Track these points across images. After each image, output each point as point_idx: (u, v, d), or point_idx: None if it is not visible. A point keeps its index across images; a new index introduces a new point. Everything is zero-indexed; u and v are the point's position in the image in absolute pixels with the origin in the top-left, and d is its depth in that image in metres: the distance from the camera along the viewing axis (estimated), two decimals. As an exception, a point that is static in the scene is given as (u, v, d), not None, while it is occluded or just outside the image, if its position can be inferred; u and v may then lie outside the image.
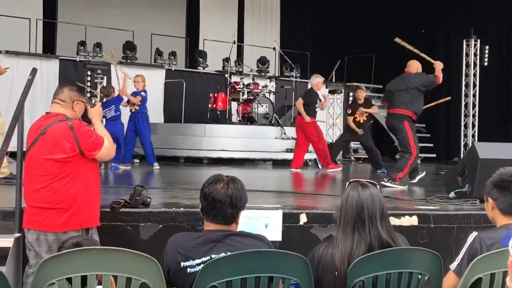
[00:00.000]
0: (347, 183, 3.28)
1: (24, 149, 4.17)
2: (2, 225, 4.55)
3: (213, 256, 2.92)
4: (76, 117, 4.07)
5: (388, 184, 7.65)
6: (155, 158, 10.37)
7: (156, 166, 10.20)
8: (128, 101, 10.31)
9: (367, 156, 15.33)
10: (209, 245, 2.98)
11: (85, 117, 4.18)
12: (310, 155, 11.80)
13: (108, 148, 4.03)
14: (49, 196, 3.91)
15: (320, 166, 11.16)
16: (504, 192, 3.23)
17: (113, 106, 9.93)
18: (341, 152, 13.26)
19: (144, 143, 10.33)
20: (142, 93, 10.35)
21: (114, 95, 10.16)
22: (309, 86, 14.87)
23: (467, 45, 14.79)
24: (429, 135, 16.00)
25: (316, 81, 11.00)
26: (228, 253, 2.90)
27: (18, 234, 4.45)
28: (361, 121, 11.31)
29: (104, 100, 10.10)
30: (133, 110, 10.30)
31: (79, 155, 3.92)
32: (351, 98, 11.60)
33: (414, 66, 8.58)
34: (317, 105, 10.95)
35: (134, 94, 10.35)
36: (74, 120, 4.00)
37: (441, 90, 16.52)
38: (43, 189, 3.91)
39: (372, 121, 11.94)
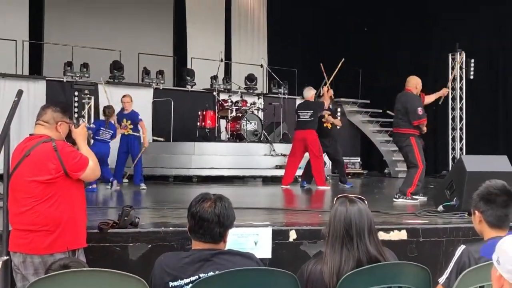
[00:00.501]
0: (335, 198, 3.28)
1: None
2: (-11, 248, 4.51)
3: (201, 275, 2.90)
4: (60, 138, 4.03)
5: (399, 200, 7.80)
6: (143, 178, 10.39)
7: (143, 186, 10.17)
8: (120, 123, 10.29)
9: (356, 171, 15.46)
10: (197, 264, 2.96)
11: (69, 138, 4.14)
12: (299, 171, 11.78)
13: (92, 169, 4.00)
14: (34, 219, 3.87)
15: (305, 185, 10.90)
16: (491, 205, 3.23)
17: (113, 131, 9.95)
18: (330, 168, 13.21)
19: (137, 165, 10.34)
20: (140, 117, 10.40)
21: (114, 117, 10.18)
22: (297, 102, 15.00)
23: (453, 59, 14.90)
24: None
25: (311, 94, 11.02)
26: (217, 272, 2.88)
27: (5, 257, 4.41)
28: (328, 126, 11.37)
29: (106, 120, 10.08)
30: (126, 133, 10.24)
31: (64, 176, 3.89)
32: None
33: (413, 82, 8.70)
34: None
35: (132, 117, 10.31)
36: (58, 141, 3.96)
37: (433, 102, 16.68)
38: (28, 212, 3.88)
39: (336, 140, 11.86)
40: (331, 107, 11.64)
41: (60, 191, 3.91)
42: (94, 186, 9.35)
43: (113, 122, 10.12)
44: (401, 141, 8.23)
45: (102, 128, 9.88)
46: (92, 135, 9.51)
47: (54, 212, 3.89)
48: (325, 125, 11.32)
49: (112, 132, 9.95)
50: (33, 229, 3.89)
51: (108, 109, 10.16)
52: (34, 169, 3.87)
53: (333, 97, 11.75)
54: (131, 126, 10.22)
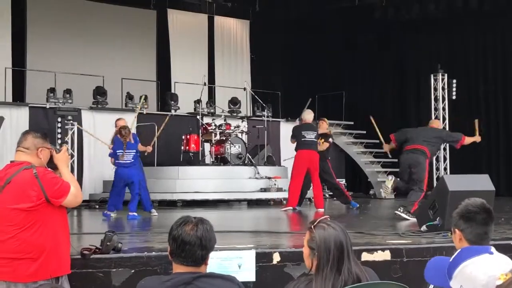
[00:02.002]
0: (313, 225, 3.23)
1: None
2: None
3: (183, 299, 2.89)
4: (41, 164, 4.03)
5: (403, 215, 8.18)
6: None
7: (154, 212, 9.72)
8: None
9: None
10: (178, 288, 2.96)
11: (51, 163, 4.14)
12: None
13: (74, 194, 3.99)
14: (17, 246, 3.85)
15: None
16: (471, 223, 3.24)
17: (134, 150, 9.44)
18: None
19: (144, 190, 9.77)
20: (137, 139, 9.94)
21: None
22: (281, 124, 15.04)
23: (435, 80, 15.07)
24: (402, 170, 16.14)
25: (312, 116, 11.16)
26: (198, 296, 2.88)
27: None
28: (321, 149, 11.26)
29: (123, 141, 9.38)
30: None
31: (46, 203, 3.88)
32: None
33: (437, 124, 10.00)
34: None
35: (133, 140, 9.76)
36: (39, 167, 3.96)
37: (412, 124, 16.81)
38: (11, 239, 3.86)
39: (329, 158, 11.87)
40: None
41: (42, 218, 3.90)
42: (135, 213, 9.12)
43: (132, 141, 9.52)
44: (418, 158, 8.72)
45: (119, 152, 9.29)
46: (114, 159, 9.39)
47: (37, 239, 3.88)
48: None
49: (134, 151, 9.41)
50: (16, 257, 3.87)
51: (125, 130, 9.45)
52: (16, 197, 3.86)
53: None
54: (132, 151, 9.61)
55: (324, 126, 11.57)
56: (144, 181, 9.91)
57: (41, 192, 3.85)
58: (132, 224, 8.62)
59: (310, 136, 10.54)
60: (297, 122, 11.82)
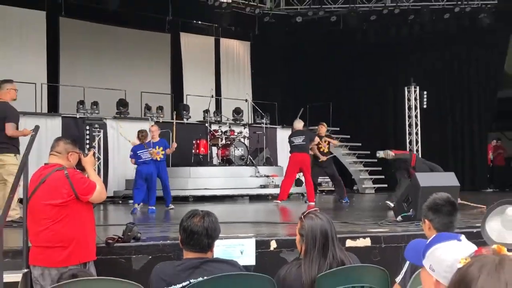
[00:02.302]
0: (302, 216, 3.24)
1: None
2: (12, 262, 4.47)
3: (191, 280, 2.89)
4: (71, 166, 4.05)
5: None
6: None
7: (172, 206, 9.71)
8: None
9: (330, 189, 15.44)
10: (188, 271, 2.95)
11: (79, 165, 4.15)
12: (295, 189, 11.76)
13: (99, 192, 4.00)
14: (50, 237, 3.88)
15: (306, 201, 10.68)
16: (438, 214, 3.25)
17: (163, 145, 9.50)
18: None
19: (167, 187, 9.78)
20: (167, 144, 9.94)
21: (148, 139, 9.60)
22: (278, 131, 15.02)
23: (408, 91, 15.08)
24: (380, 168, 16.13)
25: (302, 124, 11.06)
26: (205, 278, 2.88)
27: (25, 270, 4.38)
28: (325, 150, 11.21)
29: (141, 142, 9.41)
30: (158, 159, 9.57)
31: (75, 199, 3.90)
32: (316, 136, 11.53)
33: None
34: None
35: (163, 144, 9.78)
36: (69, 169, 3.98)
37: (389, 129, 16.83)
38: (45, 231, 3.89)
39: (333, 154, 11.86)
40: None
41: (72, 212, 3.92)
42: (154, 207, 9.14)
43: (152, 140, 9.62)
44: None
45: (140, 151, 9.30)
46: (134, 160, 9.36)
47: (68, 230, 3.89)
48: (321, 149, 11.18)
49: (163, 146, 9.53)
50: (50, 246, 3.89)
51: (142, 133, 9.53)
52: (49, 194, 3.88)
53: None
54: (163, 152, 9.66)
55: (323, 129, 11.49)
56: (167, 180, 9.84)
57: (71, 190, 3.87)
58: (151, 216, 8.60)
59: (298, 140, 10.46)
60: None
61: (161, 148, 9.69)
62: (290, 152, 10.63)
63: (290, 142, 10.63)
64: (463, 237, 2.08)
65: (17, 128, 6.84)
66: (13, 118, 6.80)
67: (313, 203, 10.28)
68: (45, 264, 3.91)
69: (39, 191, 3.91)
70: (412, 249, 2.43)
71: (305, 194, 11.01)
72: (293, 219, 8.09)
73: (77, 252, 3.94)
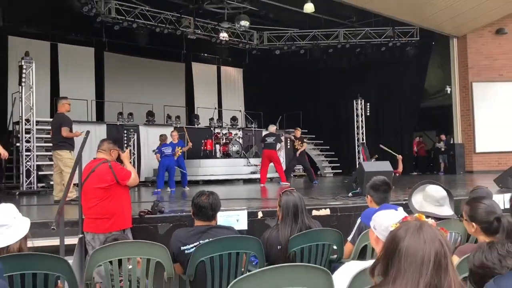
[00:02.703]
0: (281, 192, 3.25)
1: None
2: (71, 230, 4.44)
3: (201, 241, 2.89)
4: (112, 159, 4.07)
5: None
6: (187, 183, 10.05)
7: (187, 188, 9.74)
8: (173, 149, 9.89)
9: (304, 173, 15.47)
10: (198, 235, 2.95)
11: (118, 159, 4.16)
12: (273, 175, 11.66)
13: (133, 178, 4.01)
14: (99, 211, 3.88)
15: (279, 182, 10.62)
16: (377, 191, 3.27)
17: (172, 147, 9.60)
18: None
19: (185, 174, 9.95)
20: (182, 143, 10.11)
21: (167, 141, 9.77)
22: (263, 133, 14.95)
23: (356, 103, 15.11)
24: (337, 159, 16.20)
25: (274, 128, 11.01)
26: (210, 239, 2.88)
27: (81, 235, 4.34)
28: (299, 148, 11.13)
29: (161, 142, 9.64)
30: (178, 154, 9.71)
31: (116, 184, 3.91)
32: (292, 136, 11.48)
33: None
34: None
35: (180, 144, 9.92)
36: (112, 161, 4.01)
37: (343, 131, 16.81)
38: (95, 207, 3.89)
39: (305, 152, 11.82)
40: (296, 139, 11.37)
41: (114, 193, 3.92)
42: (173, 189, 9.16)
43: (172, 141, 9.77)
44: None
45: (163, 147, 9.49)
46: (159, 155, 9.37)
47: (111, 206, 3.90)
48: (296, 147, 11.16)
49: (171, 147, 9.54)
50: (98, 217, 3.90)
51: (161, 136, 9.75)
52: (98, 180, 3.89)
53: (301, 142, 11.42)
54: (181, 150, 9.81)
55: (298, 133, 11.39)
56: (184, 168, 9.96)
57: (113, 177, 3.87)
58: (172, 195, 8.57)
59: (270, 139, 10.45)
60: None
61: (180, 148, 9.79)
62: (263, 148, 10.61)
63: (263, 140, 10.60)
64: (400, 208, 2.12)
65: (70, 131, 6.82)
66: (67, 124, 6.82)
67: (286, 183, 10.25)
68: (95, 231, 3.91)
69: (90, 178, 3.91)
70: (365, 214, 2.50)
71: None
72: (274, 196, 8.11)
73: (118, 222, 3.95)
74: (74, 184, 6.05)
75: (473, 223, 2.35)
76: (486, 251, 1.59)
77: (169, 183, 9.37)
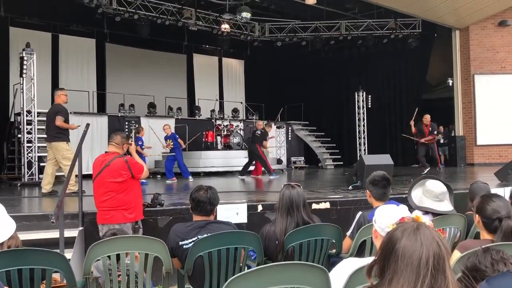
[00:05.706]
0: (283, 185, 3.26)
1: (85, 173, 4.19)
2: (71, 222, 4.45)
3: (199, 236, 2.88)
4: (123, 152, 4.20)
5: None
6: (188, 173, 10.08)
7: (191, 179, 9.77)
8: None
9: (302, 166, 15.46)
10: (196, 230, 2.94)
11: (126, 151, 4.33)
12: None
13: (145, 171, 4.21)
14: (114, 203, 4.01)
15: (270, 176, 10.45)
16: (376, 187, 3.24)
17: (171, 138, 9.79)
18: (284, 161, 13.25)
19: (181, 166, 10.01)
20: (176, 136, 10.17)
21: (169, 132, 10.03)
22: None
23: (358, 95, 15.04)
24: (338, 151, 16.17)
25: (261, 123, 11.03)
26: (209, 234, 2.86)
27: (81, 228, 4.36)
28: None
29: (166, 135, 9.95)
30: (169, 147, 9.90)
31: (130, 177, 4.06)
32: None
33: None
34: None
35: (172, 137, 10.01)
36: (127, 156, 4.17)
37: (344, 122, 16.77)
38: (110, 200, 4.01)
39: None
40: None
41: (128, 187, 4.04)
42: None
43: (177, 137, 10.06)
44: None
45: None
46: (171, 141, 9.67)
47: (126, 198, 4.03)
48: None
49: (173, 142, 9.80)
50: (113, 209, 4.01)
51: (165, 130, 10.06)
52: (113, 174, 4.00)
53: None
54: (172, 143, 9.92)
55: (269, 129, 11.27)
56: (180, 160, 9.95)
57: (129, 172, 4.02)
58: (172, 186, 8.56)
59: (257, 133, 10.61)
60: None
61: (170, 140, 9.88)
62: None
63: (253, 133, 10.72)
64: (403, 206, 2.15)
65: (65, 122, 6.68)
66: (62, 113, 6.68)
67: (273, 177, 10.14)
68: (110, 222, 4.00)
69: (104, 172, 4.03)
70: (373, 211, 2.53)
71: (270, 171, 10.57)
72: (274, 189, 8.11)
73: (132, 213, 4.08)
74: (76, 176, 6.08)
75: (477, 215, 2.42)
76: (480, 255, 1.60)
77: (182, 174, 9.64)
